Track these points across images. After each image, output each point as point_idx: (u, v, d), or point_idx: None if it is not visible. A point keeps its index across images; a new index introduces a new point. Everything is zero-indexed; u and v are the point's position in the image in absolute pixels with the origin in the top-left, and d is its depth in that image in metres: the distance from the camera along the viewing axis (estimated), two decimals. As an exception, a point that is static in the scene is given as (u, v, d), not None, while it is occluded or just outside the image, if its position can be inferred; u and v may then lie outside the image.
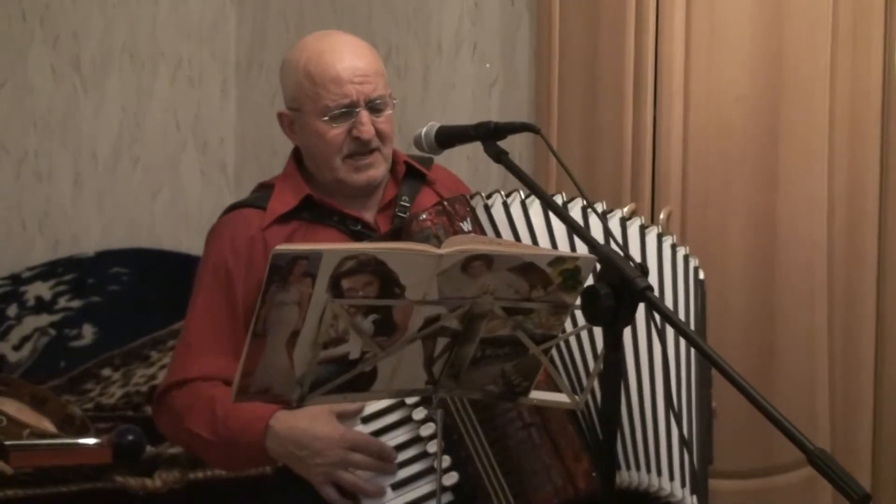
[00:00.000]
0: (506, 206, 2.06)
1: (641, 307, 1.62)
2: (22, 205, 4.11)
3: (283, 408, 1.99)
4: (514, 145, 3.37)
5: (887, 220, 2.87)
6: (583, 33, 3.29)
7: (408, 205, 2.19)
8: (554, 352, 1.98)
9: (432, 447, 1.95)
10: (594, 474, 1.95)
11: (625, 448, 2.00)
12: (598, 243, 1.71)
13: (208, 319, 2.13)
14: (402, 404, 1.97)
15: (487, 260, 1.65)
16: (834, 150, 2.92)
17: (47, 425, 3.30)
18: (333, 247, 1.61)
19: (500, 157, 1.90)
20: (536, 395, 1.80)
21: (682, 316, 2.12)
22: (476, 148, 1.96)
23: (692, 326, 2.14)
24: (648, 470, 2.01)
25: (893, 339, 2.86)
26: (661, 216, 3.05)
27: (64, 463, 3.12)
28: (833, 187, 2.93)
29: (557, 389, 1.79)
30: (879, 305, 2.88)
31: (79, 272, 4.01)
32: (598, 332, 2.00)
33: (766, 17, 3.00)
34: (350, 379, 1.67)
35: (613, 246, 1.92)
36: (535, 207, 2.07)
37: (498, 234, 2.04)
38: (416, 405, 1.96)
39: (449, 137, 1.99)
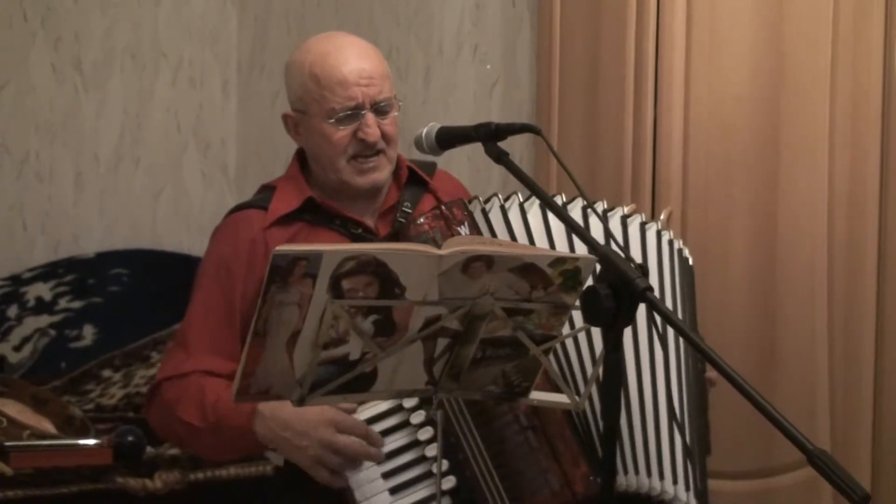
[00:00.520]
0: (503, 210, 2.06)
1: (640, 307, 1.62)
2: (23, 205, 4.11)
3: None
4: (515, 146, 3.37)
5: (887, 219, 2.87)
6: (584, 34, 3.29)
7: (409, 211, 2.19)
8: (554, 352, 1.98)
9: (430, 451, 1.95)
10: (592, 478, 1.95)
11: (623, 452, 2.00)
12: (599, 244, 1.71)
13: (205, 319, 2.13)
14: (400, 408, 1.97)
15: (488, 261, 1.65)
16: (834, 149, 2.93)
17: (48, 426, 3.30)
18: (334, 247, 1.62)
19: (501, 157, 1.90)
20: (537, 395, 1.80)
21: (669, 300, 2.11)
22: (477, 149, 1.96)
23: (681, 309, 2.13)
24: (649, 473, 2.01)
25: (893, 338, 2.86)
26: (662, 216, 3.05)
27: (64, 464, 3.12)
28: (834, 187, 2.93)
29: (556, 390, 1.79)
30: (880, 304, 2.88)
31: (79, 273, 4.01)
32: (596, 332, 2.01)
33: (766, 17, 3.00)
34: (350, 379, 1.67)
35: (614, 246, 1.92)
36: (532, 211, 2.08)
37: (496, 238, 2.04)
38: (414, 409, 1.96)
39: (449, 138, 1.99)
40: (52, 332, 3.92)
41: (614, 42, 3.19)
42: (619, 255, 1.65)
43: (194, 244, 4.25)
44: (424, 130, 2.01)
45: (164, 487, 3.12)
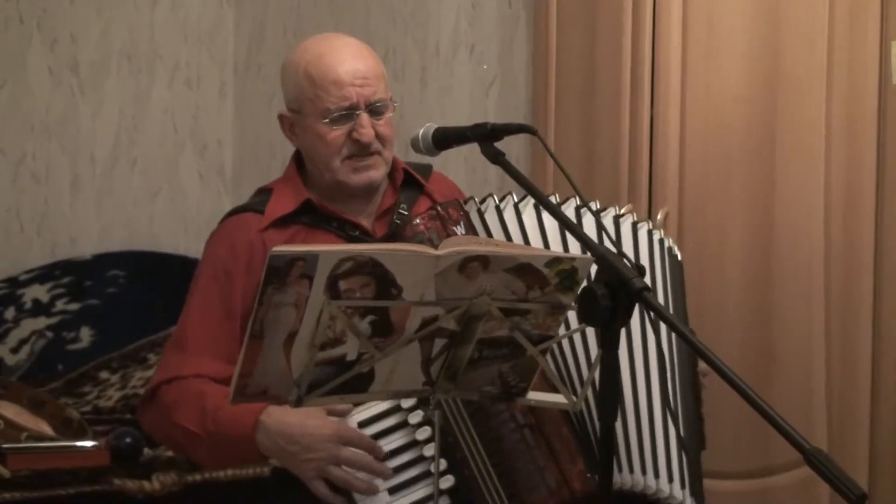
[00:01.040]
0: (499, 211, 2.07)
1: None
2: (20, 207, 4.11)
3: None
4: (512, 146, 3.37)
5: (884, 218, 2.87)
6: (580, 34, 3.29)
7: (406, 213, 2.19)
8: (550, 352, 1.98)
9: (428, 451, 1.95)
10: (589, 476, 1.95)
11: (618, 451, 2.00)
12: (595, 244, 1.71)
13: (203, 322, 2.13)
14: (398, 409, 1.97)
15: (484, 261, 1.65)
16: (831, 149, 2.93)
17: (45, 428, 3.30)
18: (330, 248, 1.62)
19: (497, 158, 1.91)
20: (534, 395, 1.80)
21: (662, 296, 2.12)
22: (473, 149, 1.96)
23: (672, 306, 2.13)
24: (644, 472, 2.01)
25: (890, 338, 2.86)
26: (659, 217, 3.05)
27: (62, 466, 3.12)
28: (830, 187, 2.94)
29: (554, 391, 1.80)
30: (876, 305, 2.88)
31: (76, 275, 4.01)
32: (590, 332, 2.01)
33: (762, 17, 3.01)
34: (347, 380, 1.67)
35: (608, 245, 1.92)
36: (528, 211, 2.08)
37: (491, 237, 2.04)
38: (411, 409, 1.96)
39: (446, 139, 1.99)
40: (49, 334, 3.91)
41: (611, 42, 3.19)
42: (615, 254, 1.65)
43: (191, 245, 4.25)
44: (421, 131, 2.01)
45: (162, 489, 3.12)
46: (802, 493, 2.91)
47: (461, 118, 3.59)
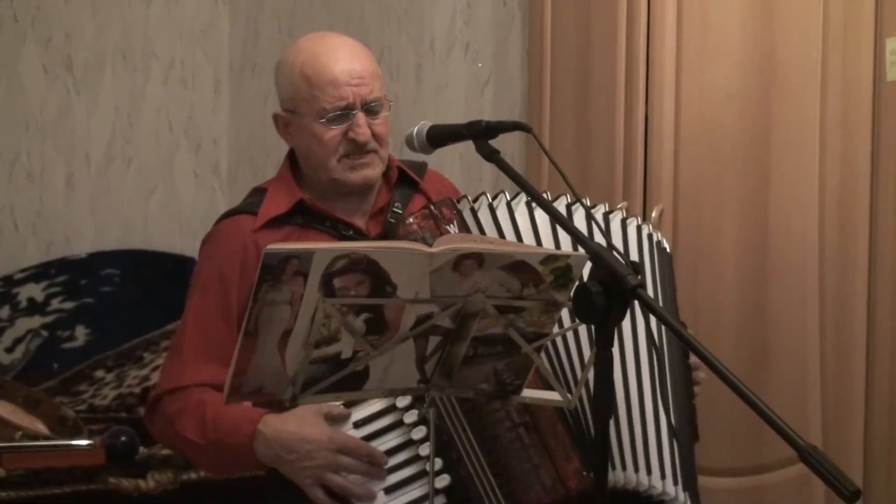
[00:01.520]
0: (492, 209, 2.07)
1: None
2: (14, 206, 4.11)
3: (272, 411, 1.99)
4: (507, 144, 3.38)
5: (878, 215, 2.88)
6: (575, 33, 3.29)
7: (400, 212, 2.19)
8: (544, 350, 1.99)
9: (424, 450, 1.95)
10: (585, 473, 1.95)
11: (611, 448, 2.00)
12: (589, 241, 1.71)
13: (201, 327, 2.13)
14: (393, 408, 1.97)
15: (479, 258, 1.65)
16: (825, 147, 2.93)
17: (40, 427, 3.29)
18: (325, 246, 1.62)
19: (492, 156, 1.90)
20: (529, 393, 1.80)
21: (651, 290, 2.12)
22: (468, 147, 1.96)
23: (662, 300, 2.13)
24: (637, 469, 2.01)
25: (884, 336, 2.86)
26: (654, 214, 3.06)
27: (57, 465, 3.12)
28: (824, 185, 2.94)
29: (549, 388, 1.80)
30: (871, 303, 2.88)
31: (71, 273, 4.01)
32: (584, 329, 2.02)
33: (756, 15, 3.01)
34: (342, 378, 1.67)
35: (601, 241, 1.93)
36: (520, 209, 2.08)
37: (485, 236, 2.04)
38: (407, 408, 1.97)
39: (440, 137, 1.99)
40: (45, 333, 3.91)
41: (605, 40, 3.19)
42: (610, 252, 1.65)
43: (186, 244, 4.25)
44: (416, 129, 2.01)
45: (157, 488, 3.12)
46: (797, 489, 2.92)
47: (456, 116, 3.59)
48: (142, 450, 3.22)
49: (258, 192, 2.24)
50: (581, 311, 1.61)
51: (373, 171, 2.16)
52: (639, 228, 2.16)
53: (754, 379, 2.91)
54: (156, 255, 4.19)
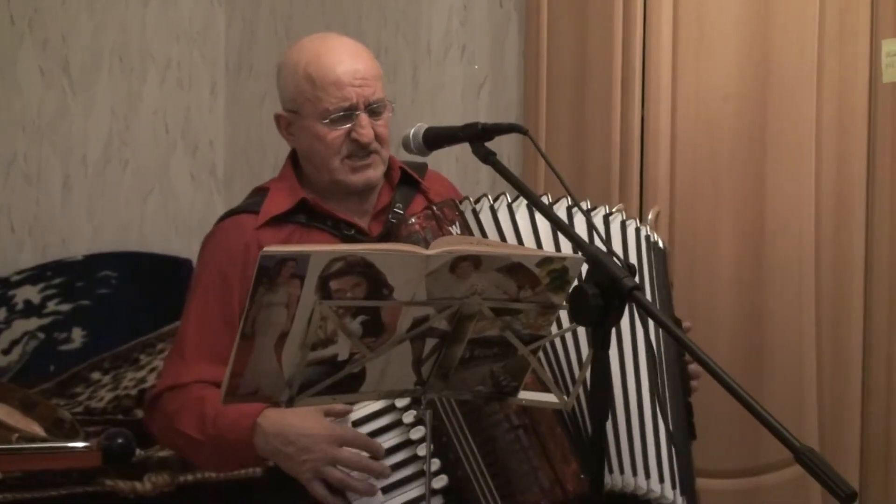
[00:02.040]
0: (493, 210, 2.07)
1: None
2: (11, 208, 4.10)
3: (271, 406, 1.98)
4: (503, 146, 3.38)
5: (874, 218, 2.88)
6: (571, 34, 3.29)
7: (401, 212, 2.19)
8: (542, 352, 1.99)
9: (422, 450, 1.95)
10: (583, 476, 1.95)
11: (608, 451, 2.00)
12: (586, 243, 1.71)
13: (202, 327, 2.13)
14: (392, 408, 1.97)
15: (475, 260, 1.65)
16: (821, 148, 2.93)
17: (36, 429, 3.29)
18: (321, 248, 1.62)
19: (488, 158, 1.91)
20: (525, 395, 1.81)
21: (647, 290, 2.12)
22: (464, 149, 1.97)
23: (659, 301, 2.13)
24: (635, 472, 2.01)
25: (881, 337, 2.86)
26: (650, 216, 3.05)
27: (53, 467, 3.11)
28: (821, 186, 2.94)
29: (546, 390, 1.80)
30: (867, 304, 2.88)
31: (68, 275, 4.00)
32: (582, 331, 2.02)
33: (753, 16, 3.01)
34: (339, 380, 1.67)
35: (599, 244, 1.93)
36: (521, 211, 2.08)
37: (486, 237, 2.04)
38: (406, 408, 1.97)
39: (437, 139, 1.99)
40: (41, 335, 3.91)
41: (601, 42, 3.19)
42: (606, 254, 1.65)
43: (183, 246, 4.24)
44: (412, 131, 2.01)
45: (154, 490, 3.12)
46: (793, 491, 2.92)
47: (452, 118, 3.59)
48: (138, 452, 3.21)
49: (260, 192, 2.25)
50: (577, 313, 1.62)
51: (374, 172, 2.17)
52: (625, 225, 2.15)
53: (750, 380, 2.91)
54: (152, 257, 4.18)
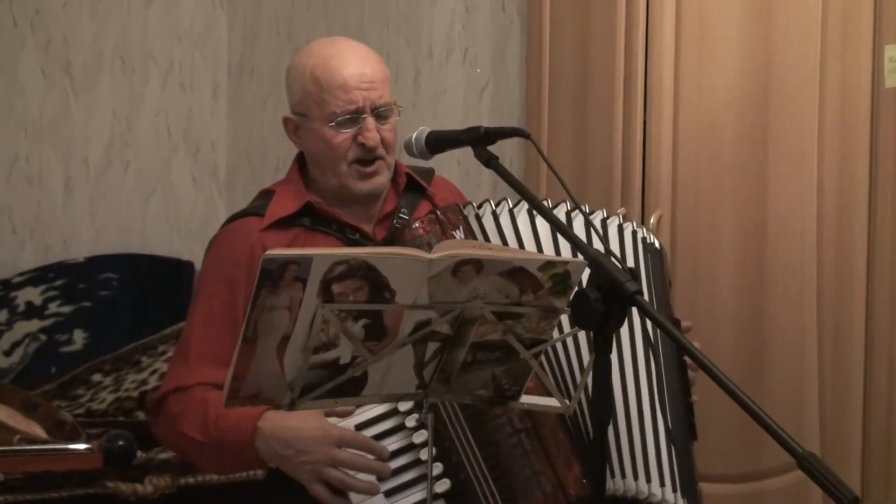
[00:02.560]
0: (495, 216, 2.07)
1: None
2: (12, 209, 4.10)
3: (274, 408, 1.98)
4: (505, 150, 3.36)
5: (876, 221, 2.88)
6: (573, 38, 3.29)
7: (406, 217, 2.19)
8: (544, 356, 1.99)
9: (425, 454, 1.95)
10: (585, 480, 1.95)
11: (610, 455, 2.00)
12: (588, 247, 1.71)
13: (207, 329, 2.12)
14: (395, 412, 1.97)
15: (477, 264, 1.65)
16: (823, 152, 2.93)
17: (38, 431, 3.29)
18: (324, 251, 1.62)
19: (491, 161, 1.91)
20: (527, 399, 1.81)
21: (643, 289, 2.11)
22: (467, 153, 1.97)
23: (654, 297, 2.13)
24: (636, 477, 2.01)
25: (882, 340, 2.86)
26: (652, 220, 3.06)
27: (54, 469, 3.11)
28: (823, 189, 2.94)
29: (548, 394, 1.80)
30: (869, 307, 2.88)
31: (69, 277, 4.00)
32: (584, 336, 2.02)
33: (755, 20, 3.01)
34: (341, 383, 1.67)
35: (598, 247, 1.93)
36: (522, 215, 2.08)
37: (488, 242, 2.05)
38: (408, 412, 1.97)
39: (439, 142, 1.99)
40: (43, 337, 3.91)
41: (604, 46, 3.19)
42: (608, 258, 1.65)
43: (184, 248, 4.24)
44: (414, 134, 2.01)
45: (155, 492, 3.12)
46: (795, 496, 2.92)
47: (454, 122, 3.59)
48: (140, 454, 3.21)
49: (266, 195, 2.24)
50: (579, 318, 1.62)
51: (381, 179, 2.17)
52: (622, 228, 2.15)
53: (752, 382, 2.92)
54: (154, 259, 4.18)
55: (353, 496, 1.94)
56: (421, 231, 2.02)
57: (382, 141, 2.14)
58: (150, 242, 4.27)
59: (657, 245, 2.19)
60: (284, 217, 2.16)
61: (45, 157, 4.15)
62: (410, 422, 1.96)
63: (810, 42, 2.93)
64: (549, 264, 1.70)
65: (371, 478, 1.94)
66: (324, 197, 2.19)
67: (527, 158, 3.45)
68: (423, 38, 3.79)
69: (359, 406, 1.96)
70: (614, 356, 2.01)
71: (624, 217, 2.18)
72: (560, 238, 2.06)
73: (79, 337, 3.93)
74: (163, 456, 3.20)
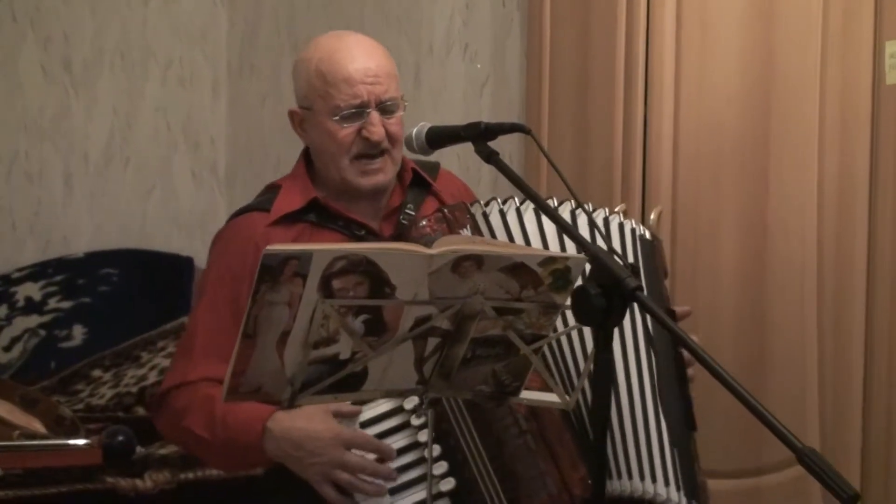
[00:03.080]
0: (502, 214, 2.07)
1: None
2: (13, 206, 4.11)
3: (280, 408, 1.98)
4: (505, 146, 3.37)
5: (877, 219, 2.88)
6: (573, 34, 3.29)
7: (412, 213, 2.19)
8: (546, 352, 1.99)
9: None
10: (590, 482, 1.95)
11: (616, 456, 2.00)
12: (589, 243, 1.71)
13: (211, 324, 2.12)
14: (400, 409, 1.97)
15: (478, 260, 1.65)
16: (824, 149, 2.93)
17: (37, 426, 3.29)
18: (324, 247, 1.62)
19: (491, 157, 1.91)
20: (527, 394, 1.80)
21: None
22: (467, 148, 1.96)
23: (649, 290, 2.12)
24: (642, 477, 2.00)
25: (882, 338, 2.86)
26: (652, 216, 3.06)
27: (54, 464, 3.11)
28: (823, 187, 2.94)
29: (550, 390, 1.80)
30: (869, 304, 2.88)
31: (69, 273, 4.00)
32: (588, 332, 2.01)
33: (756, 17, 3.01)
34: (341, 379, 1.67)
35: (602, 245, 1.93)
36: (528, 214, 2.08)
37: (495, 239, 2.04)
38: (414, 410, 1.96)
39: (439, 138, 1.99)
40: (42, 332, 3.91)
41: (604, 42, 3.19)
42: (608, 254, 1.65)
43: (184, 244, 4.24)
44: (415, 130, 2.01)
45: (155, 487, 3.12)
46: (795, 492, 2.91)
47: (455, 117, 3.59)
48: (139, 449, 3.21)
49: (272, 189, 2.24)
50: (580, 313, 1.62)
51: (384, 176, 2.16)
52: (608, 221, 2.14)
53: (752, 380, 2.91)
54: (154, 255, 4.18)
55: (359, 497, 1.94)
56: (428, 229, 2.01)
57: (389, 135, 2.13)
58: (149, 238, 4.27)
59: (648, 236, 2.18)
60: (290, 213, 2.15)
61: (45, 154, 4.15)
62: (416, 420, 1.96)
63: (811, 38, 2.93)
64: (549, 260, 1.70)
65: (378, 479, 1.94)
66: (329, 192, 2.18)
67: (527, 154, 3.45)
68: (424, 33, 3.79)
69: (363, 403, 1.95)
70: (619, 359, 2.02)
71: (624, 214, 2.18)
72: (566, 237, 2.05)
73: (78, 332, 3.93)
74: (162, 451, 3.20)
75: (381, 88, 2.12)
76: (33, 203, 4.13)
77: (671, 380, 2.10)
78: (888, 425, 2.84)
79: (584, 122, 3.26)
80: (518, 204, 2.09)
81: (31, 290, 3.96)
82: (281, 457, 1.99)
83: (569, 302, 1.66)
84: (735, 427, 2.90)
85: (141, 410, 3.54)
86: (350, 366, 1.66)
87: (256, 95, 4.30)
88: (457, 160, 3.54)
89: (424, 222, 2.03)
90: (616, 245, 2.11)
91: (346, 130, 2.12)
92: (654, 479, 2.01)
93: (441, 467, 1.95)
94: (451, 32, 3.73)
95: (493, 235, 2.04)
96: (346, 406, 1.96)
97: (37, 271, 4.00)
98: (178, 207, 4.35)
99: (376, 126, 2.12)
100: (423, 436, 1.95)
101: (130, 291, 4.03)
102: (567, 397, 1.78)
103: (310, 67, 2.14)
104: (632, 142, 3.15)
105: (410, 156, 2.23)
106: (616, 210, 2.18)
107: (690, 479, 2.06)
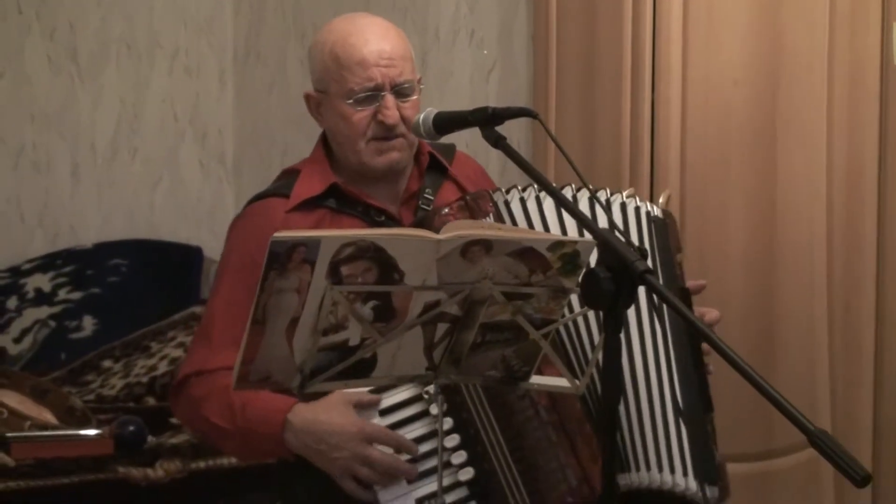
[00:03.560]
0: (522, 202, 2.06)
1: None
2: (21, 197, 4.11)
3: (300, 399, 1.97)
4: (513, 131, 3.36)
5: (886, 202, 2.87)
6: (580, 18, 3.28)
7: (431, 197, 2.17)
8: (564, 336, 1.98)
9: (449, 441, 1.94)
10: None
11: (633, 448, 1.99)
12: (598, 227, 1.71)
13: (230, 312, 2.09)
14: (419, 397, 1.96)
15: (486, 245, 1.65)
16: (833, 132, 2.92)
17: (48, 417, 3.30)
18: (332, 233, 1.61)
19: (499, 142, 1.90)
20: (537, 379, 1.80)
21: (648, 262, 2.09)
22: (474, 133, 1.96)
23: (658, 267, 2.11)
24: (661, 469, 1.99)
25: (893, 321, 2.86)
26: (661, 200, 3.04)
27: (65, 454, 3.12)
28: (832, 170, 2.93)
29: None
30: (879, 289, 2.88)
31: (78, 264, 4.01)
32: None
33: (763, 0, 3.00)
34: (350, 365, 1.67)
35: (617, 227, 1.92)
36: (548, 202, 2.07)
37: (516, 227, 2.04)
38: (432, 399, 1.96)
39: (447, 123, 1.98)
40: (52, 324, 3.92)
41: (611, 26, 3.18)
42: (618, 238, 1.64)
43: (192, 234, 4.25)
44: (422, 115, 2.00)
45: (166, 476, 3.12)
46: (806, 475, 2.92)
47: (462, 103, 3.58)
48: (150, 439, 3.22)
49: (290, 174, 2.22)
50: (590, 297, 1.61)
51: (399, 155, 2.14)
52: (624, 205, 2.13)
53: (762, 364, 2.91)
54: (162, 245, 4.19)
55: (380, 490, 1.94)
56: (451, 217, 2.00)
57: (404, 118, 2.12)
58: (157, 228, 4.27)
59: (659, 214, 2.17)
60: (309, 198, 2.15)
61: (53, 145, 4.15)
62: (434, 409, 1.95)
63: (818, 20, 2.92)
64: (558, 244, 1.69)
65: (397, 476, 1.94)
66: (348, 176, 2.17)
67: (534, 139, 3.44)
68: (430, 20, 3.78)
69: (381, 391, 1.95)
70: (626, 349, 2.01)
71: (635, 198, 2.16)
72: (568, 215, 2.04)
73: (88, 323, 3.93)
74: (173, 441, 3.21)
75: (396, 71, 2.11)
76: (41, 194, 4.14)
77: (686, 363, 2.08)
78: (899, 407, 2.84)
79: (592, 106, 3.25)
80: (538, 191, 2.08)
81: (41, 281, 3.97)
82: (301, 449, 1.98)
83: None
84: (746, 410, 2.89)
85: (151, 400, 3.54)
86: (359, 352, 1.66)
87: (263, 84, 4.29)
88: (464, 146, 3.51)
89: (447, 210, 2.02)
90: (629, 227, 2.10)
91: (361, 114, 2.11)
92: (672, 470, 1.99)
93: (460, 456, 1.94)
94: (457, 18, 3.72)
95: (514, 223, 2.03)
96: (366, 396, 1.95)
97: (46, 262, 4.00)
98: (185, 197, 4.35)
99: (391, 109, 2.10)
100: (443, 424, 1.94)
101: (139, 282, 4.04)
102: (577, 382, 1.78)
103: (324, 50, 2.13)
104: (639, 126, 3.14)
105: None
106: (626, 193, 2.17)
107: (707, 463, 2.04)
